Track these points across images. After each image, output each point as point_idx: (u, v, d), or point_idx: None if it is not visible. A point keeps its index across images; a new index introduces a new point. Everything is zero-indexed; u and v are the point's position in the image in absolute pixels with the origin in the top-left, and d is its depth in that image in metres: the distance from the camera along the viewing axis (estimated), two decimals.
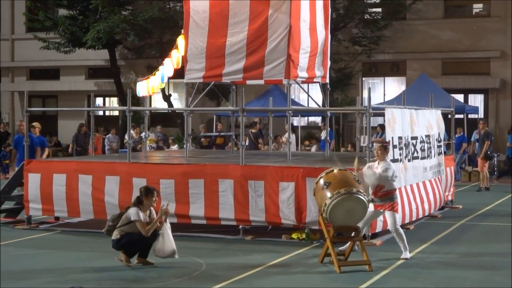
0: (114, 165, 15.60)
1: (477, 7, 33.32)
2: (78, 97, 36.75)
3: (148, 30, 31.43)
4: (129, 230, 11.51)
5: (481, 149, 23.29)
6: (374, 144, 12.77)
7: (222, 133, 27.44)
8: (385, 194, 12.11)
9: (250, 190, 14.15)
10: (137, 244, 11.57)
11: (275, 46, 15.71)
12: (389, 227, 12.30)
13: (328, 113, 18.73)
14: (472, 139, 27.08)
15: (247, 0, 16.02)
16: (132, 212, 11.47)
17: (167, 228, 11.53)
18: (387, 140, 13.92)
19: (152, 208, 11.72)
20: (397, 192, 12.49)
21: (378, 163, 12.24)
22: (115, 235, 11.56)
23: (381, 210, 12.22)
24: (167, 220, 11.61)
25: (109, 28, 30.85)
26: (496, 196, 21.36)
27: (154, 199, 11.65)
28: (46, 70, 38.57)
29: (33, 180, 15.75)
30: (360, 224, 11.95)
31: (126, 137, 27.20)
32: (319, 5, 16.79)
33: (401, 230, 12.24)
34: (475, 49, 31.67)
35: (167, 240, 11.50)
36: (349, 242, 12.01)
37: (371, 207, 12.09)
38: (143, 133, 25.70)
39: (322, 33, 16.85)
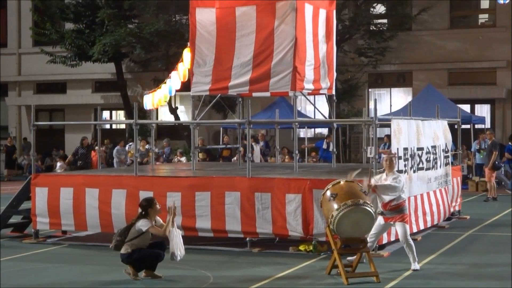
0: (121, 179, 15.62)
1: (483, 17, 33.36)
2: (85, 111, 36.84)
3: (154, 43, 31.53)
4: (139, 243, 11.52)
5: (489, 159, 23.25)
6: (382, 155, 12.76)
7: (228, 146, 27.45)
8: (396, 206, 12.10)
9: (256, 202, 14.14)
10: (148, 259, 11.57)
11: (281, 59, 15.73)
12: (400, 238, 12.29)
13: (335, 125, 18.71)
14: (472, 149, 27.05)
15: (254, 12, 16.06)
16: (142, 224, 11.48)
17: (173, 231, 11.48)
18: (392, 151, 13.93)
19: (157, 217, 11.74)
20: (406, 203, 12.49)
21: (387, 175, 12.24)
22: (126, 249, 11.54)
23: (391, 223, 12.21)
24: (175, 224, 11.57)
25: (115, 42, 30.97)
26: (503, 206, 21.30)
27: (158, 206, 11.69)
28: (52, 84, 38.68)
29: (40, 194, 15.78)
30: (372, 238, 11.98)
31: (128, 148, 27.23)
32: (322, 16, 16.82)
33: (412, 241, 12.22)
34: (481, 59, 31.67)
35: (170, 243, 11.48)
36: (356, 254, 11.99)
37: (381, 220, 12.10)
38: (148, 146, 25.77)
39: (325, 44, 16.88)
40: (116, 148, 28.50)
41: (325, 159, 26.08)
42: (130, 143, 28.26)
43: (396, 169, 12.59)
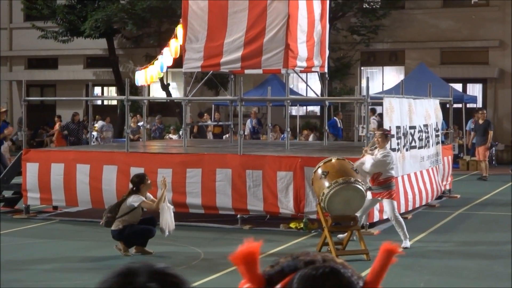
0: (112, 155, 15.61)
1: None
2: (76, 86, 36.67)
3: (146, 19, 31.38)
4: (131, 219, 11.52)
5: (485, 139, 23.18)
6: (376, 132, 12.77)
7: (220, 123, 27.45)
8: (383, 182, 12.13)
9: (248, 179, 14.15)
10: (139, 235, 11.57)
11: (273, 35, 15.69)
12: (388, 215, 12.33)
13: (327, 103, 18.70)
14: (467, 128, 27.04)
15: None
16: (134, 200, 11.47)
17: (164, 206, 11.49)
18: (390, 130, 13.95)
19: (148, 193, 11.74)
20: (394, 179, 12.51)
21: (378, 151, 12.25)
22: (117, 225, 11.54)
23: (379, 198, 12.24)
24: (166, 199, 11.59)
25: (107, 17, 30.82)
26: (494, 185, 21.37)
27: (149, 182, 11.69)
28: (44, 59, 38.51)
29: (31, 170, 15.76)
30: (358, 213, 11.99)
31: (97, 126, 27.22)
32: None
33: (400, 218, 12.26)
34: (474, 38, 31.63)
35: (160, 218, 11.49)
36: (347, 231, 12.03)
37: (368, 195, 12.12)
38: (141, 123, 25.75)
39: (319, 22, 16.84)
40: (101, 124, 28.43)
41: (336, 136, 26.42)
42: (99, 120, 28.42)
43: (388, 146, 12.58)
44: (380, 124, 24.43)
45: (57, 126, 27.85)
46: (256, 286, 1.56)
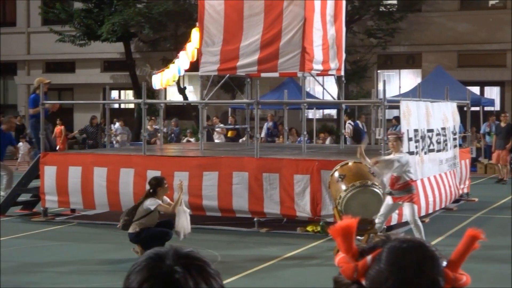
0: (129, 158, 15.64)
1: None
2: (93, 90, 36.87)
3: (163, 23, 31.51)
4: (147, 222, 11.52)
5: (504, 142, 23.01)
6: (389, 136, 12.71)
7: (236, 126, 27.46)
8: (403, 186, 12.06)
9: (264, 182, 14.15)
10: (156, 238, 11.58)
11: (289, 39, 15.69)
12: (408, 218, 12.26)
13: (343, 106, 18.69)
14: (482, 131, 26.91)
15: None
16: (151, 203, 11.46)
17: (180, 209, 11.50)
18: (402, 132, 13.89)
19: (164, 196, 11.75)
20: (414, 183, 12.44)
21: (394, 155, 12.20)
22: (134, 228, 11.54)
23: (400, 202, 12.17)
24: (183, 202, 11.60)
25: (124, 21, 30.96)
26: None
27: (166, 185, 11.70)
28: (61, 63, 38.71)
29: (49, 173, 15.83)
30: (380, 219, 11.92)
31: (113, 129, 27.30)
32: None
33: (420, 222, 12.20)
34: (491, 41, 31.50)
35: (176, 221, 11.49)
36: (364, 235, 11.99)
37: (389, 199, 12.05)
38: (157, 126, 25.84)
39: (332, 25, 16.83)
40: (115, 127, 28.52)
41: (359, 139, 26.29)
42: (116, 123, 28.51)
43: (403, 149, 12.51)
44: (355, 128, 24.50)
45: (60, 130, 27.86)
46: (350, 256, 1.76)
